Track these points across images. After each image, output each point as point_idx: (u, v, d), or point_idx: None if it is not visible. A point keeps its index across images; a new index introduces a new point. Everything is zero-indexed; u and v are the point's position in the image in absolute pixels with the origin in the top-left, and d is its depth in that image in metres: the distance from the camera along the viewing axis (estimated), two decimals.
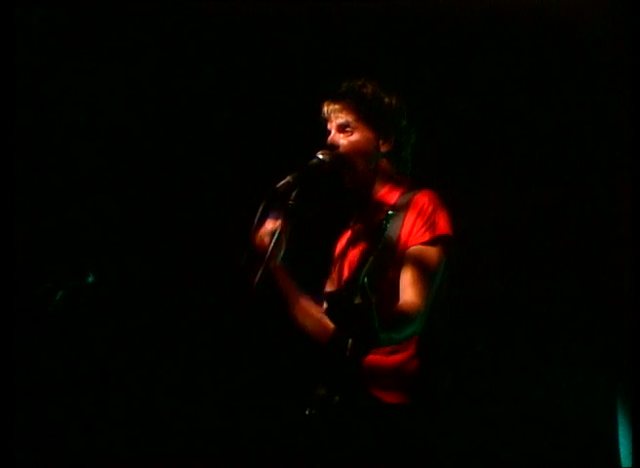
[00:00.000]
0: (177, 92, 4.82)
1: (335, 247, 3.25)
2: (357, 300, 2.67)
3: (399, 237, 2.99)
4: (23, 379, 4.29)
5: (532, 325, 4.54)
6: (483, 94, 4.63)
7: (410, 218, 2.99)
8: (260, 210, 2.93)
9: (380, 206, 3.10)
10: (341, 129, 3.13)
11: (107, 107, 4.82)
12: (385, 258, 2.95)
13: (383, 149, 3.14)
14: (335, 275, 3.19)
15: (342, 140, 3.12)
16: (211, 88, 4.81)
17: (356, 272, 2.69)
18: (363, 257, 2.69)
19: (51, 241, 4.84)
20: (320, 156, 3.08)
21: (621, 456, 4.18)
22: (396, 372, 2.97)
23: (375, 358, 2.99)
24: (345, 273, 3.10)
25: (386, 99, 3.15)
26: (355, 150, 3.10)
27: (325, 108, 3.17)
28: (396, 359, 2.98)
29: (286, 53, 4.72)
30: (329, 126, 3.17)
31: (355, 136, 3.11)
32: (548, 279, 4.58)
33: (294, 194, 2.98)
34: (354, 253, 3.10)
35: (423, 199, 3.01)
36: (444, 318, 3.05)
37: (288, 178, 2.99)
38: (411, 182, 3.13)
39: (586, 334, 4.47)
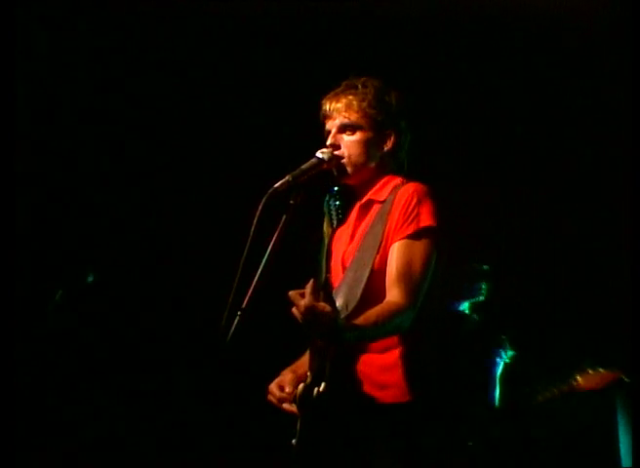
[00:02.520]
0: (176, 92, 4.83)
1: (331, 245, 3.24)
2: (320, 300, 2.69)
3: (385, 232, 2.98)
4: (23, 379, 4.29)
5: (531, 322, 4.55)
6: (481, 93, 4.64)
7: (394, 212, 2.97)
8: (260, 209, 2.92)
9: (372, 203, 3.09)
10: (343, 128, 3.09)
11: (107, 107, 4.83)
12: (372, 254, 2.96)
13: (384, 150, 3.12)
14: (331, 273, 3.17)
15: (345, 140, 3.10)
16: (210, 88, 4.82)
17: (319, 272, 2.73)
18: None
19: (51, 241, 4.85)
20: (320, 155, 3.07)
21: (622, 456, 4.19)
22: (390, 370, 2.96)
23: (368, 356, 2.99)
24: (338, 271, 3.10)
25: (388, 100, 3.13)
26: (358, 150, 3.08)
27: (327, 106, 3.13)
28: (390, 356, 2.97)
29: (285, 53, 4.73)
30: (329, 124, 3.14)
31: (358, 136, 3.08)
32: (549, 276, 4.59)
33: (294, 193, 2.97)
34: (348, 250, 3.10)
35: (408, 192, 2.98)
36: (438, 314, 3.04)
37: (287, 178, 2.98)
38: (403, 180, 3.10)
39: (586, 334, 4.47)
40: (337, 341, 2.79)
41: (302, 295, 2.71)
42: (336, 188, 2.93)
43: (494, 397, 3.94)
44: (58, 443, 4.72)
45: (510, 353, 4.30)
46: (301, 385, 2.93)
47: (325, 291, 2.71)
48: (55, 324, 4.79)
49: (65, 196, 4.87)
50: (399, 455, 2.92)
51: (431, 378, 2.97)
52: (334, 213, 2.90)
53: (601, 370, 4.16)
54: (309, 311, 2.68)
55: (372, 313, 2.85)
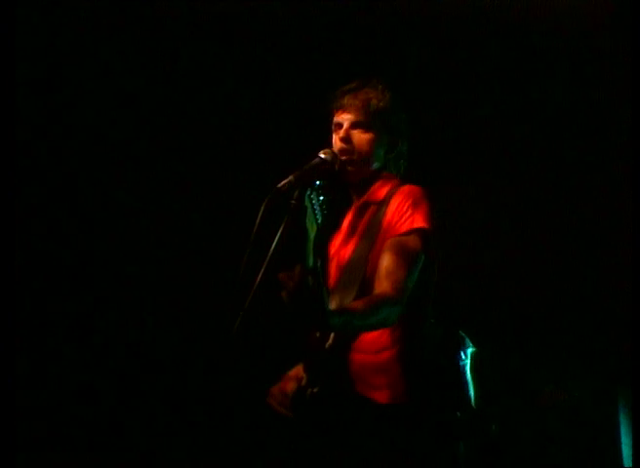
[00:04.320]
0: (177, 92, 4.82)
1: (330, 244, 3.25)
2: (310, 283, 2.68)
3: (381, 230, 2.99)
4: (23, 380, 4.29)
5: (531, 324, 4.55)
6: (480, 93, 4.64)
7: (389, 213, 2.99)
8: (262, 209, 2.92)
9: (369, 203, 3.10)
10: (356, 125, 3.10)
11: (107, 107, 4.83)
12: (367, 255, 2.96)
13: (391, 153, 3.15)
14: (330, 273, 3.18)
15: (356, 137, 3.10)
16: (212, 88, 4.82)
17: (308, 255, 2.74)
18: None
19: (51, 241, 4.85)
20: (322, 155, 3.07)
21: (623, 456, 4.19)
22: (384, 371, 2.97)
23: (361, 357, 3.00)
24: (334, 272, 3.11)
25: (397, 102, 3.15)
26: (368, 149, 3.09)
27: (344, 100, 3.12)
28: (383, 357, 2.98)
29: (287, 53, 4.73)
30: (341, 117, 3.13)
31: (370, 135, 3.09)
32: (549, 278, 4.59)
33: (296, 193, 2.97)
34: (344, 250, 3.11)
35: (404, 192, 3.01)
36: (432, 316, 3.05)
37: (290, 178, 2.98)
38: (399, 181, 3.12)
39: (588, 336, 4.47)
40: (323, 326, 2.80)
41: (292, 278, 2.71)
42: (318, 182, 2.91)
43: (470, 399, 3.94)
44: (57, 443, 4.72)
45: (471, 350, 4.29)
46: (295, 386, 2.94)
47: (314, 275, 2.70)
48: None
49: (65, 195, 4.87)
50: (395, 456, 2.92)
51: (425, 379, 2.98)
52: (317, 208, 2.89)
53: (551, 386, 4.22)
54: (297, 292, 2.68)
55: (359, 302, 2.88)
